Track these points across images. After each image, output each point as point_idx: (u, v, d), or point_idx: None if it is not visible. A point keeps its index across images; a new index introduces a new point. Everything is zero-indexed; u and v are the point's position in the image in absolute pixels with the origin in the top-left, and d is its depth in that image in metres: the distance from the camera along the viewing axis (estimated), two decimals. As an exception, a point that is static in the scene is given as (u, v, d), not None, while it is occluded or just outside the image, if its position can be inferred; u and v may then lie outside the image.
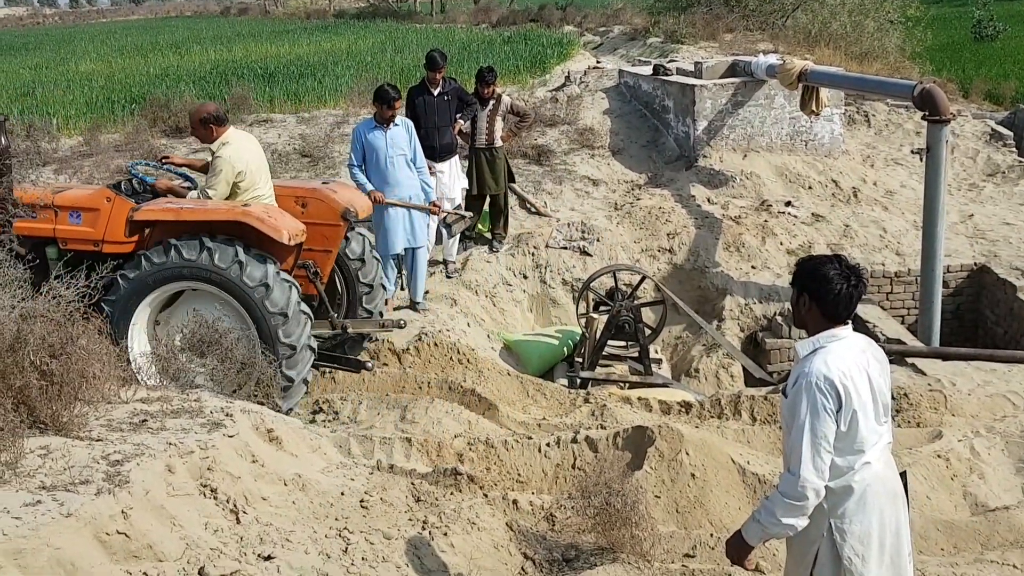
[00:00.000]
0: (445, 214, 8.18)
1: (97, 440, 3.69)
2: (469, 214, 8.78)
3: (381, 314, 7.04)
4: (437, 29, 26.51)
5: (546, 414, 6.59)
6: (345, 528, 3.94)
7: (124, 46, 27.60)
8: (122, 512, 3.20)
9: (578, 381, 7.49)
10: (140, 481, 3.38)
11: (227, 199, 6.00)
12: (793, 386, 3.05)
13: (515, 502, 4.86)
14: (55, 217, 5.93)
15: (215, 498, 3.70)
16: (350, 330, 6.65)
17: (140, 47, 26.53)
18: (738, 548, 3.16)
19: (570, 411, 6.58)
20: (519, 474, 5.57)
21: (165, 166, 6.66)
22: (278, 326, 5.56)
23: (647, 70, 12.78)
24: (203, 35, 29.92)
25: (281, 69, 17.65)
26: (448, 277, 8.71)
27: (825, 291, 3.04)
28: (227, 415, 4.25)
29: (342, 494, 4.28)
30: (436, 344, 7.21)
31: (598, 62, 17.70)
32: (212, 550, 3.39)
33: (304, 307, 5.86)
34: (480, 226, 9.44)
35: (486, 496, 4.89)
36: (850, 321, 3.14)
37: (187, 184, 6.51)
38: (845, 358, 3.02)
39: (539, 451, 5.68)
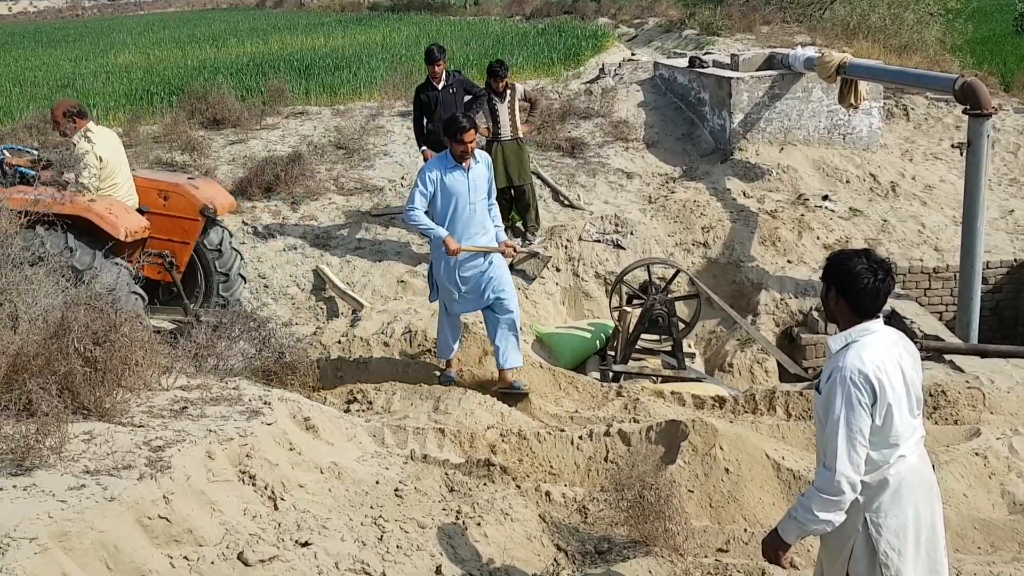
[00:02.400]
0: (516, 254, 7.26)
1: (139, 426, 3.76)
2: (541, 250, 8.77)
3: (239, 302, 7.59)
4: (471, 22, 26.51)
5: (578, 407, 6.59)
6: (380, 516, 3.98)
7: (162, 38, 27.92)
8: (163, 497, 3.26)
9: (611, 375, 7.48)
10: (181, 467, 3.44)
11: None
12: (827, 381, 3.04)
13: (548, 494, 4.88)
14: None
15: (253, 485, 3.75)
16: (202, 318, 6.83)
17: (178, 39, 26.82)
18: (775, 546, 3.16)
19: (603, 404, 6.58)
20: (551, 466, 5.59)
21: (12, 167, 6.88)
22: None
23: (683, 62, 12.70)
24: (240, 27, 30.19)
25: (317, 62, 17.76)
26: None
27: (853, 286, 3.04)
28: (265, 403, 4.31)
29: (377, 483, 4.33)
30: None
31: (633, 54, 17.61)
32: (251, 535, 3.44)
33: (136, 288, 6.21)
34: (514, 215, 9.47)
35: (519, 487, 4.92)
36: (880, 315, 3.13)
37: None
38: (878, 352, 3.02)
39: (571, 444, 5.69)
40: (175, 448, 3.56)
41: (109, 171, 6.52)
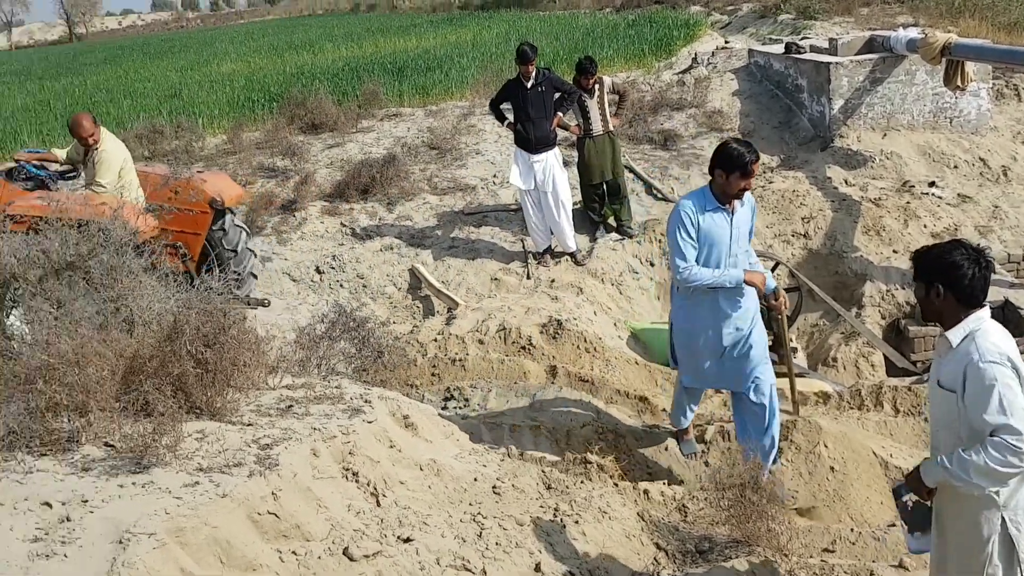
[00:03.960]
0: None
1: (248, 425, 3.90)
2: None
3: (253, 276, 8.00)
4: (560, 16, 26.45)
5: (676, 403, 6.52)
6: (479, 513, 4.02)
7: (261, 46, 28.82)
8: (272, 493, 3.38)
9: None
10: (288, 464, 3.55)
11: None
12: (963, 377, 2.97)
13: (646, 492, 4.85)
14: None
15: (356, 481, 3.84)
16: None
17: (276, 46, 27.64)
18: (916, 485, 3.21)
19: (702, 401, 6.49)
20: (648, 464, 5.55)
21: (21, 164, 7.22)
22: None
23: (778, 48, 12.38)
24: (335, 32, 30.89)
25: (409, 63, 18.04)
26: (579, 265, 8.73)
27: (958, 278, 3.01)
28: (366, 401, 4.41)
29: (475, 480, 4.37)
30: (563, 333, 7.25)
31: (726, 42, 17.25)
32: (355, 531, 3.53)
33: None
34: (605, 211, 9.43)
35: (616, 485, 4.90)
36: (987, 304, 3.09)
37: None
38: (1002, 336, 3.01)
39: (669, 441, 5.64)
40: (282, 446, 3.68)
41: (127, 171, 6.94)
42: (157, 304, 4.46)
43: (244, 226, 7.95)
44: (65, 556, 2.84)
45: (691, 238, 4.81)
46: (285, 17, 57.35)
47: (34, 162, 7.25)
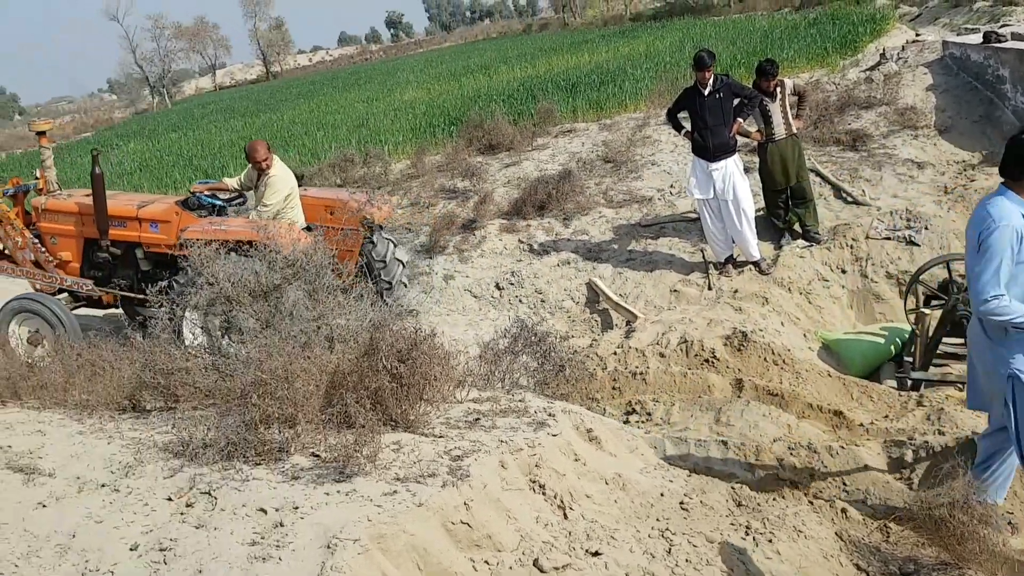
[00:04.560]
0: None
1: (439, 437, 4.04)
2: None
3: (403, 284, 8.36)
4: (736, 20, 25.83)
5: (873, 418, 6.17)
6: (667, 529, 3.97)
7: (440, 73, 29.93)
8: (464, 504, 3.48)
9: (909, 383, 6.92)
10: (478, 475, 3.65)
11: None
12: None
13: (844, 511, 4.62)
14: (139, 226, 7.64)
15: (543, 494, 3.90)
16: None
17: (453, 72, 28.62)
18: None
19: (901, 415, 6.11)
20: (845, 482, 5.28)
21: (196, 195, 7.84)
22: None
23: (976, 38, 11.54)
24: (508, 54, 31.62)
25: (582, 79, 18.17)
26: (763, 274, 8.46)
27: None
28: (550, 415, 4.47)
29: (661, 495, 4.32)
30: (748, 344, 7.03)
31: (917, 35, 16.26)
32: (544, 543, 3.58)
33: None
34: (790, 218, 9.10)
35: (811, 503, 4.70)
36: None
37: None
38: None
39: (867, 457, 5.34)
40: (472, 457, 3.79)
41: (292, 196, 7.58)
42: (354, 322, 4.72)
43: (392, 239, 8.41)
44: (279, 559, 3.05)
45: (1011, 263, 4.03)
46: (461, 43, 59.29)
47: (206, 192, 7.95)
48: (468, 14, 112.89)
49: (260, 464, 3.72)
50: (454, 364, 4.62)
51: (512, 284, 9.38)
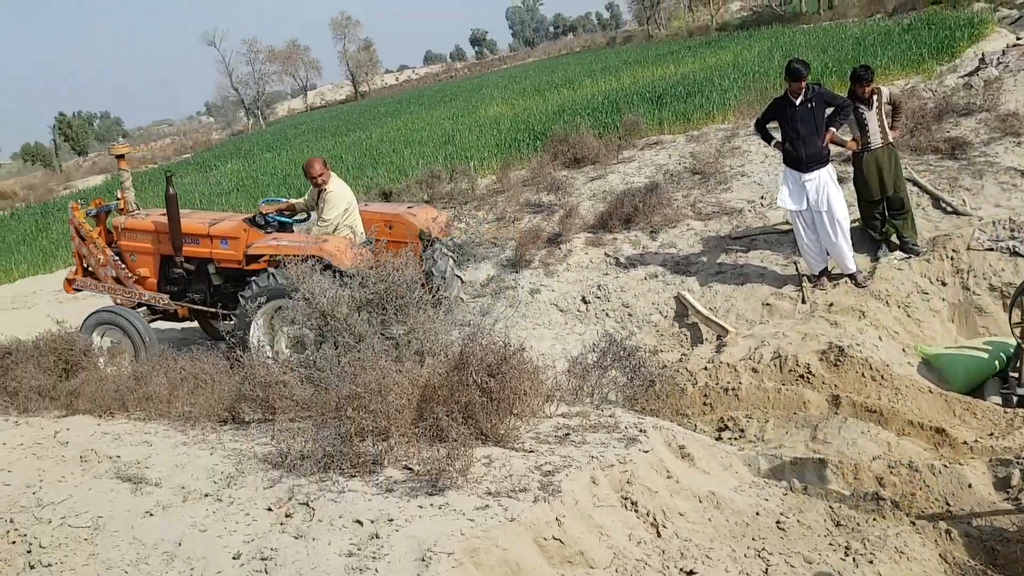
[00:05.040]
0: None
1: (529, 451, 4.05)
2: None
3: (461, 300, 8.52)
4: (827, 27, 25.25)
5: (978, 436, 5.91)
6: (764, 549, 3.88)
7: (524, 88, 30.12)
8: (556, 519, 3.48)
9: (1015, 399, 6.61)
10: (569, 491, 3.64)
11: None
12: None
13: (948, 532, 4.43)
14: (211, 243, 7.98)
15: (635, 511, 3.86)
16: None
17: (538, 87, 28.77)
18: None
19: (1008, 433, 5.84)
20: (949, 502, 5.07)
21: (264, 215, 8.11)
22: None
23: (1087, 38, 10.99)
24: (593, 68, 31.62)
25: (668, 90, 18.04)
26: (860, 287, 8.22)
27: None
28: (641, 431, 4.42)
29: (757, 514, 4.23)
30: (845, 360, 6.83)
31: (1019, 38, 15.62)
32: (637, 561, 3.54)
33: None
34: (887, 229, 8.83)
35: (913, 524, 4.52)
36: None
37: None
38: None
39: (971, 477, 5.12)
40: (563, 473, 3.78)
41: (350, 212, 7.78)
42: (443, 336, 4.78)
43: (452, 254, 8.54)
44: (376, 571, 3.10)
45: None
46: (544, 58, 59.59)
47: (272, 212, 8.24)
48: (552, 29, 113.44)
49: (355, 476, 3.80)
50: (543, 379, 4.63)
51: (599, 298, 9.34)
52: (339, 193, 7.79)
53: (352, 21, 76.15)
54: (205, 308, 8.18)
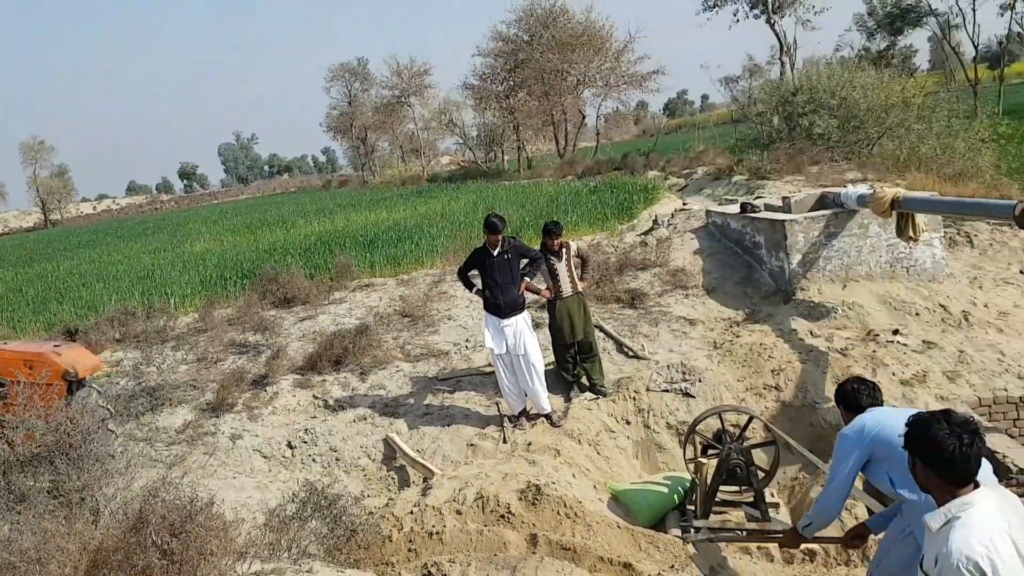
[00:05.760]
0: None
1: (215, 617, 3.73)
2: None
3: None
4: (525, 185, 27.47)
5: (660, 568, 6.33)
6: None
7: (235, 225, 29.47)
8: None
9: (692, 531, 7.19)
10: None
11: None
12: (935, 566, 2.84)
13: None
14: None
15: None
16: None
17: (249, 224, 28.28)
18: None
19: (687, 564, 6.31)
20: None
21: None
22: None
23: (734, 208, 12.88)
24: (307, 209, 31.75)
25: (380, 235, 18.51)
26: (555, 426, 8.68)
27: (939, 456, 2.89)
28: (339, 585, 4.25)
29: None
30: (542, 498, 7.10)
31: (684, 204, 17.97)
32: None
33: None
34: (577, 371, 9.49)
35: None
36: (976, 481, 2.93)
37: None
38: (984, 527, 2.81)
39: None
40: (250, 639, 3.50)
41: None
42: (123, 492, 4.35)
43: (102, 397, 8.09)
44: None
45: None
46: (258, 196, 58.97)
47: None
48: (267, 168, 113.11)
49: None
50: (235, 535, 4.33)
51: (305, 442, 9.04)
52: None
53: (45, 146, 70.91)
54: None
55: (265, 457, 8.90)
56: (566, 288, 9.19)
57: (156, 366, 10.82)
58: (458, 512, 7.09)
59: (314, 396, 9.79)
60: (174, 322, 12.73)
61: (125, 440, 7.78)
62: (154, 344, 11.64)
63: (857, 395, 5.00)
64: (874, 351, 9.36)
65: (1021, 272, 9.15)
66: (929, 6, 46.97)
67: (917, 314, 10.19)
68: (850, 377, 5.17)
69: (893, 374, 9.01)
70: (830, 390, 8.91)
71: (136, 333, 12.01)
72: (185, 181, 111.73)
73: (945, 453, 2.88)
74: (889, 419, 4.75)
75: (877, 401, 5.04)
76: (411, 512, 7.20)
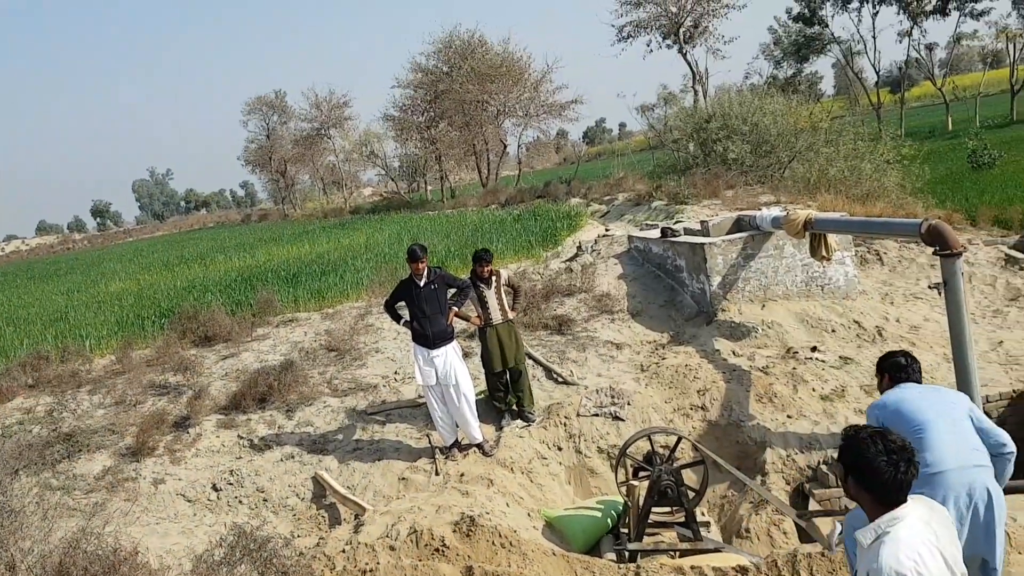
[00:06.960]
0: None
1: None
2: None
3: None
4: (449, 215, 27.52)
5: (598, 593, 6.34)
6: None
7: (151, 263, 28.72)
8: None
9: (626, 554, 7.24)
10: None
11: None
12: None
13: None
14: None
15: None
16: None
17: (166, 262, 27.60)
18: None
19: (624, 588, 6.33)
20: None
21: None
22: None
23: (655, 233, 13.14)
24: (226, 244, 31.16)
25: (303, 269, 18.26)
26: (487, 455, 8.65)
27: (872, 479, 2.93)
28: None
29: None
30: (476, 530, 7.05)
31: (607, 229, 18.25)
32: None
33: None
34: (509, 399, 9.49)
35: None
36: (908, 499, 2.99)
37: None
38: (913, 542, 2.86)
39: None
40: None
41: None
42: (40, 545, 4.17)
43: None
44: None
45: None
46: (175, 232, 57.66)
47: None
48: (183, 203, 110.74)
49: None
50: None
51: (231, 484, 8.80)
52: None
53: (-54, 186, 68.04)
54: None
55: (189, 501, 8.64)
56: (496, 315, 9.22)
57: (71, 411, 10.42)
58: (391, 548, 6.99)
59: (239, 436, 9.56)
60: (90, 365, 12.29)
61: (41, 489, 7.44)
62: (69, 389, 11.22)
63: (899, 368, 5.19)
64: (794, 368, 9.62)
65: (929, 287, 9.53)
66: (832, 34, 49.14)
67: (833, 331, 10.52)
68: (898, 350, 5.33)
69: (813, 390, 9.27)
70: (754, 408, 9.12)
71: (50, 378, 11.56)
72: (98, 219, 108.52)
73: (880, 478, 2.92)
74: (910, 396, 4.99)
75: (913, 377, 5.23)
76: (343, 551, 7.07)
